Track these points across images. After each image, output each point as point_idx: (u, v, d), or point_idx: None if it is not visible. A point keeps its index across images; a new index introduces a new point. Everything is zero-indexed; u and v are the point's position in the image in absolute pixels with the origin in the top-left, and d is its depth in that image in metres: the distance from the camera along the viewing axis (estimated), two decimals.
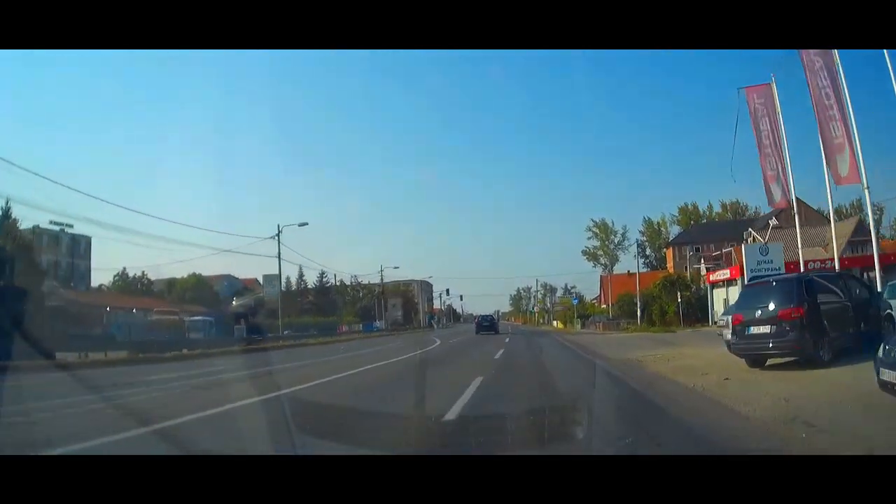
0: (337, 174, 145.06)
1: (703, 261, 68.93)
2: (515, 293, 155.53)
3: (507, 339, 31.07)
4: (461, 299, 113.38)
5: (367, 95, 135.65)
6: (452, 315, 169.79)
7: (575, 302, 55.29)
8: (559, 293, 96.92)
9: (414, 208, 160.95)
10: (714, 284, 42.92)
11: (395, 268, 60.29)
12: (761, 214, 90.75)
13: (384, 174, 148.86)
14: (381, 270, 64.22)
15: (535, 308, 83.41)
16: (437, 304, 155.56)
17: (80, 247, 73.62)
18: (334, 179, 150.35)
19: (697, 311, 48.03)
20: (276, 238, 38.65)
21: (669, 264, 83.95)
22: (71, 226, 54.75)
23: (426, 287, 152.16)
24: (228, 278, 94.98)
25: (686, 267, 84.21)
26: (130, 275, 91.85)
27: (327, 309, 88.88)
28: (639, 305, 45.70)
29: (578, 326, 66.44)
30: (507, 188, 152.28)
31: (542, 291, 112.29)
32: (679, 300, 46.19)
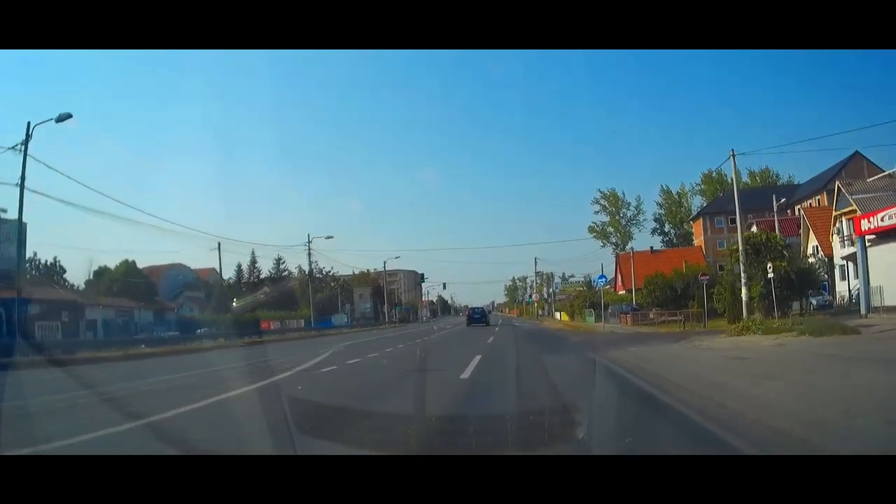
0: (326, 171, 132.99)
1: (756, 226, 49.26)
2: (511, 283, 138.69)
3: (471, 368, 11.19)
4: (444, 287, 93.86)
5: (362, 81, 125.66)
6: (441, 307, 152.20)
7: (601, 281, 34.79)
8: (557, 282, 77.11)
9: (410, 201, 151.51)
10: (863, 239, 23.10)
11: (329, 237, 41.15)
12: (795, 183, 72.79)
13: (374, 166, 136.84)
14: (309, 241, 44.02)
15: (532, 297, 63.81)
16: (426, 296, 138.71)
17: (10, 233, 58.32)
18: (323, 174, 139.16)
19: (797, 293, 28.63)
20: (23, 150, 18.23)
21: (698, 239, 64.34)
22: (5, 210, 38.42)
23: (408, 276, 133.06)
24: (177, 268, 75.30)
25: (723, 239, 65.17)
26: (43, 261, 74.00)
27: (284, 302, 70.01)
28: (743, 280, 25.63)
29: (591, 319, 47.17)
30: (503, 169, 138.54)
31: (539, 280, 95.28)
32: (769, 275, 26.56)
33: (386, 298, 60.27)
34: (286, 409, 5.98)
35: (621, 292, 54.55)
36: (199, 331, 46.59)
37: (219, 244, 36.42)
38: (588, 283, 57.96)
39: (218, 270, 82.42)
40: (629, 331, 29.98)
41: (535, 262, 54.44)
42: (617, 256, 57.48)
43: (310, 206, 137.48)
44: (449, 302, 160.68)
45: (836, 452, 4.02)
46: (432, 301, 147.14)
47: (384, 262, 59.25)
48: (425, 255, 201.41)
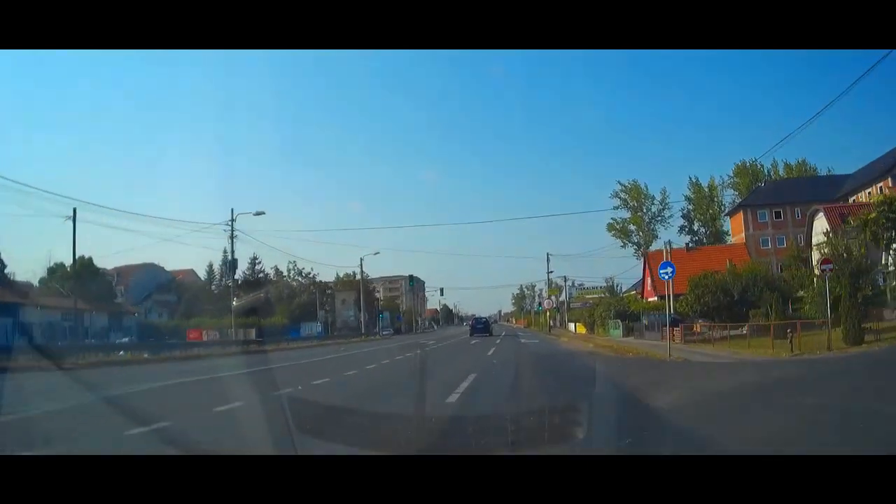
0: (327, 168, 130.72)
1: (826, 214, 38.05)
2: (518, 292, 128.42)
3: None
4: (441, 294, 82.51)
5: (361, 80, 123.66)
6: (446, 316, 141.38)
7: (665, 273, 21.81)
8: (571, 289, 65.36)
9: (412, 206, 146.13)
10: None
11: (259, 213, 29.86)
12: (833, 174, 61.86)
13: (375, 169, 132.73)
14: (233, 219, 32.73)
15: (542, 304, 51.80)
16: (430, 305, 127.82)
17: None
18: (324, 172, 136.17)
19: None
20: None
21: (738, 235, 53.08)
22: None
23: (413, 283, 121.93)
24: (150, 268, 66.49)
25: (768, 236, 53.88)
26: None
27: (260, 308, 59.69)
28: None
29: (617, 332, 36.22)
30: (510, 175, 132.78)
31: (547, 287, 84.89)
32: None
33: (363, 305, 49.00)
34: None
35: (651, 299, 43.37)
36: (119, 341, 38.45)
37: (74, 211, 25.79)
38: (610, 289, 46.67)
39: (196, 273, 72.98)
40: (700, 354, 18.82)
41: (548, 258, 42.73)
42: (646, 255, 46.27)
43: (306, 203, 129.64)
44: (453, 311, 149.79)
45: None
46: (436, 310, 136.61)
47: (361, 260, 48.14)
48: (429, 264, 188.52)
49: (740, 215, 54.44)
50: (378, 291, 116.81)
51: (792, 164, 71.34)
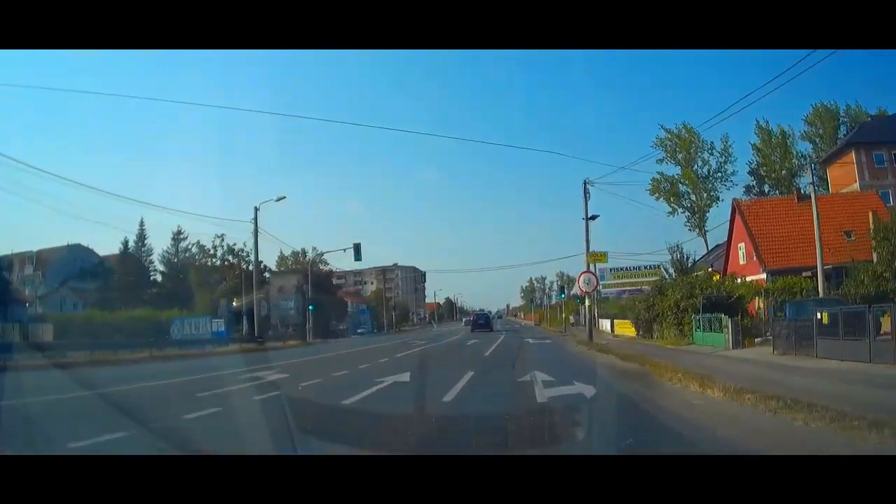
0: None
1: None
2: (528, 284, 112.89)
3: None
4: (423, 279, 64.52)
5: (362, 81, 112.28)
6: (447, 310, 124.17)
7: None
8: (602, 275, 46.37)
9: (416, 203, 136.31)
10: None
11: None
12: None
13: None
14: None
15: (578, 286, 31.82)
16: (432, 298, 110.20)
17: None
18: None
19: None
20: None
21: (851, 180, 34.33)
22: None
23: (408, 274, 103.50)
24: (74, 250, 52.41)
25: (888, 187, 35.64)
26: None
27: (183, 295, 42.65)
28: None
29: (721, 337, 18.26)
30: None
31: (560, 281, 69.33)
32: None
33: (255, 288, 28.65)
34: None
35: (755, 276, 25.24)
36: None
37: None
38: (680, 262, 28.38)
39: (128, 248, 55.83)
40: None
41: (585, 189, 23.10)
42: (736, 206, 27.70)
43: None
44: (456, 304, 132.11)
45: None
46: (439, 304, 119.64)
47: (256, 210, 28.34)
48: (431, 255, 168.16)
49: (847, 160, 36.03)
50: (371, 283, 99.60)
51: (871, 114, 52.88)
